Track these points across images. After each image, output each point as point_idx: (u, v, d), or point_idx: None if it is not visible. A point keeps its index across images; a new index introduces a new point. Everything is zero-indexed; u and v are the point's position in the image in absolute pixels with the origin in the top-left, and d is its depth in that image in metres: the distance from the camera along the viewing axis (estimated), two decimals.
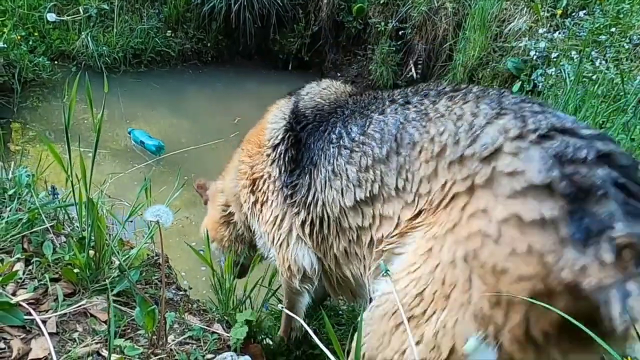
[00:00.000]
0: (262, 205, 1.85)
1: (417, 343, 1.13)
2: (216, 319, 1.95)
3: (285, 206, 1.73)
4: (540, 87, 4.56)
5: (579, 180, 1.04)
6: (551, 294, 0.99)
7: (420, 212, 1.27)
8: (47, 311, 1.66)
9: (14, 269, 1.74)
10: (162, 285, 1.51)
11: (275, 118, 1.88)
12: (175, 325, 1.83)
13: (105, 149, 4.53)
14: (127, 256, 1.92)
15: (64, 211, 2.07)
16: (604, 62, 3.99)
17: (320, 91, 1.89)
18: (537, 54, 4.63)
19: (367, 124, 1.49)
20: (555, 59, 4.40)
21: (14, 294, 1.66)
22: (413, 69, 6.07)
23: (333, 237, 1.58)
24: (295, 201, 1.68)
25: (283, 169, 1.75)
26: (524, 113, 1.20)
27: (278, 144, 1.79)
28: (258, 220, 1.89)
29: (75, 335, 1.61)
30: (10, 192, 2.00)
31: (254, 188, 1.88)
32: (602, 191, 1.02)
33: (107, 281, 1.83)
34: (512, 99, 1.29)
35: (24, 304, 1.61)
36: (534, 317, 1.02)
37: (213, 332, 1.77)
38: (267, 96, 6.00)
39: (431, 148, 1.26)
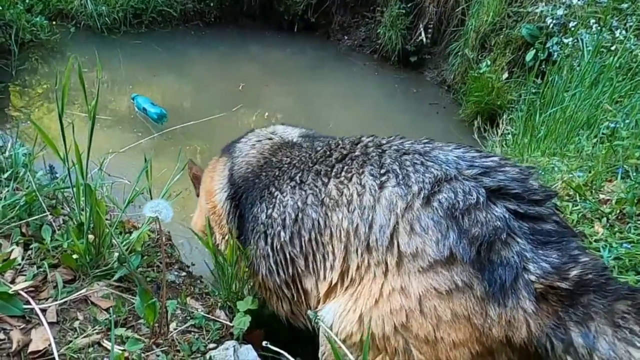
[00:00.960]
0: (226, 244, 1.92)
1: None
2: (219, 304, 1.92)
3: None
4: (555, 56, 4.38)
5: (479, 234, 1.05)
6: (492, 352, 1.01)
7: (336, 285, 1.33)
8: (46, 299, 1.63)
9: (12, 255, 1.70)
10: (162, 278, 1.47)
11: (219, 186, 1.94)
12: (178, 312, 1.80)
13: (107, 116, 4.43)
14: (127, 241, 1.88)
15: (62, 192, 2.01)
16: (624, 32, 3.80)
17: (248, 153, 1.90)
18: (553, 21, 4.43)
19: (273, 205, 1.57)
20: (572, 28, 4.20)
21: (12, 282, 1.63)
22: (423, 34, 5.85)
23: (276, 299, 1.70)
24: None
25: (233, 232, 1.85)
26: (406, 172, 1.23)
27: (226, 212, 1.89)
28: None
29: (76, 324, 1.58)
30: (7, 175, 1.94)
31: (217, 227, 1.98)
32: (505, 233, 1.04)
33: (107, 266, 1.81)
34: (392, 153, 1.33)
35: (22, 293, 1.58)
36: None
37: (215, 321, 1.75)
38: (271, 61, 5.91)
39: (337, 234, 1.31)
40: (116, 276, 1.79)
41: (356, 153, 1.43)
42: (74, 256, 1.72)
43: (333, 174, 1.40)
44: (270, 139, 1.94)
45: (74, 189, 1.68)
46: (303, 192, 1.46)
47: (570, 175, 2.46)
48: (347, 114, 5.14)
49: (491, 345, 1.01)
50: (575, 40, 4.14)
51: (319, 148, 1.60)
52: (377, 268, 1.19)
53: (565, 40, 4.12)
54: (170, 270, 2.12)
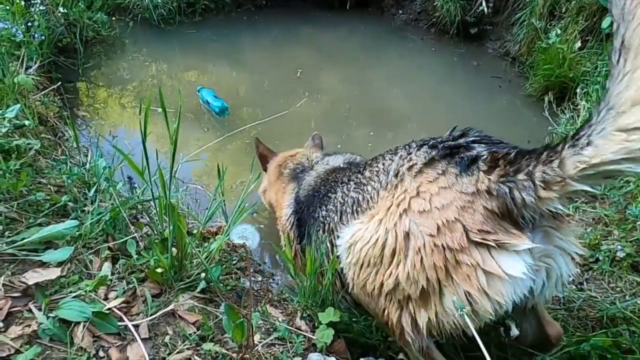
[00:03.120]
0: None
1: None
2: (298, 312, 1.93)
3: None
4: None
5: (449, 145, 1.58)
6: (475, 199, 1.43)
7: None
8: (137, 314, 1.69)
9: (103, 271, 1.77)
10: (249, 304, 1.47)
11: (288, 202, 2.47)
12: (260, 322, 1.83)
13: (170, 109, 4.52)
14: (207, 252, 1.91)
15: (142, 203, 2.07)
16: None
17: (310, 180, 2.42)
18: None
19: (329, 203, 2.03)
20: None
21: (105, 298, 1.70)
22: (484, 3, 5.52)
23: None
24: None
25: (295, 235, 2.31)
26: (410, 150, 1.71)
27: (291, 224, 2.36)
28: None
29: (167, 339, 1.64)
30: (92, 192, 2.01)
31: (283, 233, 2.46)
32: (466, 145, 1.57)
33: (190, 279, 1.85)
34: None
35: (116, 310, 1.64)
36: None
37: (298, 334, 1.76)
38: (325, 42, 5.81)
39: (369, 196, 1.77)
40: (199, 288, 1.83)
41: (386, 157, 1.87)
42: (159, 270, 1.77)
43: (368, 167, 1.90)
44: (324, 166, 2.52)
45: (157, 208, 1.71)
46: (347, 185, 1.95)
47: None
48: (406, 93, 4.99)
49: (474, 197, 1.43)
50: None
51: (360, 167, 2.04)
52: (389, 192, 1.64)
53: None
54: (249, 272, 2.15)
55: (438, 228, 1.44)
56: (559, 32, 4.66)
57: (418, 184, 1.54)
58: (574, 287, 2.18)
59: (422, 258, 1.45)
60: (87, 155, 3.29)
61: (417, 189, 1.53)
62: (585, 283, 2.17)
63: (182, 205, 2.38)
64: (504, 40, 5.61)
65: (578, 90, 4.40)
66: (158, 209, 1.72)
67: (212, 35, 5.85)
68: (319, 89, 4.88)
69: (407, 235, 1.49)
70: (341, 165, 2.46)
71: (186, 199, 2.51)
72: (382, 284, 1.56)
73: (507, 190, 1.37)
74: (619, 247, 2.14)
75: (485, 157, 1.47)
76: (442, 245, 1.42)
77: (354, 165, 2.37)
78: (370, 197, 1.73)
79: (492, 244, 1.38)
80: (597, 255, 2.23)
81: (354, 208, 1.81)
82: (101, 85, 4.89)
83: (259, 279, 2.23)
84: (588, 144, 1.25)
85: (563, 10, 4.77)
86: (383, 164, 1.77)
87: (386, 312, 1.59)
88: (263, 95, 4.78)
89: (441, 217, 1.44)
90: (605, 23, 4.34)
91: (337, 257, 1.75)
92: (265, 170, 2.88)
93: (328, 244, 1.94)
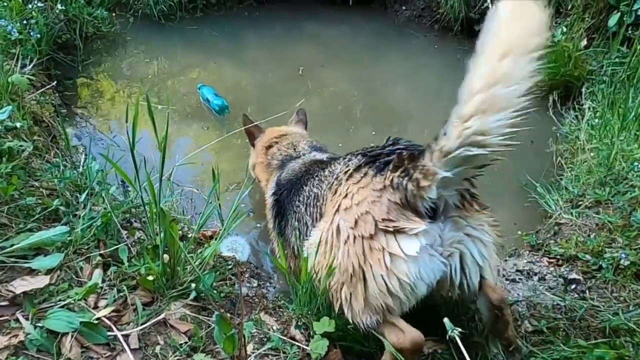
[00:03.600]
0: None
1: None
2: (293, 321, 1.89)
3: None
4: None
5: (374, 154, 1.81)
6: (382, 194, 1.65)
7: None
8: (128, 324, 1.66)
9: (93, 278, 1.74)
10: (240, 319, 1.44)
11: (271, 189, 2.64)
12: (254, 330, 1.79)
13: (172, 106, 4.49)
14: (200, 259, 1.87)
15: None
16: None
17: (292, 166, 2.59)
18: None
19: (302, 195, 2.22)
20: None
21: (95, 307, 1.67)
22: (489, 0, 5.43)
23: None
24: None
25: (275, 219, 2.47)
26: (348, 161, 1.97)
27: (272, 206, 2.55)
28: None
29: (157, 349, 1.60)
30: (83, 197, 1.97)
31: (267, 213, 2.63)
32: (388, 152, 1.78)
33: (183, 286, 1.81)
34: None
35: (105, 320, 1.61)
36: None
37: (292, 344, 1.72)
38: (327, 39, 5.74)
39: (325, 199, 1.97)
40: (192, 296, 1.79)
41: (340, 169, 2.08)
42: (150, 278, 1.74)
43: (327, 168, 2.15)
44: (308, 157, 2.68)
45: (148, 215, 1.67)
46: (314, 182, 2.16)
47: None
48: (409, 92, 4.92)
49: (378, 193, 1.66)
50: None
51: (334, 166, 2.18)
52: (332, 194, 1.88)
53: None
54: (242, 281, 2.11)
55: (356, 221, 1.66)
56: (564, 29, 4.58)
57: (347, 186, 1.78)
58: (576, 295, 2.13)
59: (348, 249, 1.66)
60: (84, 153, 3.27)
61: (345, 190, 1.78)
62: (587, 291, 2.12)
63: (177, 208, 2.34)
64: None
65: (583, 90, 4.33)
66: (149, 216, 1.68)
67: (214, 31, 5.78)
68: (320, 86, 4.82)
69: (338, 230, 1.72)
70: (324, 159, 2.61)
71: (181, 201, 2.47)
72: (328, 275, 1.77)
73: (403, 183, 1.60)
74: (623, 255, 2.09)
75: (394, 159, 1.69)
76: (360, 235, 1.64)
77: (332, 161, 2.46)
78: (324, 197, 1.98)
79: (392, 229, 1.59)
80: (600, 263, 2.18)
81: (315, 202, 2.07)
82: (101, 81, 4.85)
83: (255, 284, 2.20)
84: (444, 134, 1.46)
85: (569, 7, 4.69)
86: (332, 170, 2.06)
87: (334, 298, 1.76)
88: (265, 93, 4.73)
89: (358, 212, 1.66)
90: (612, 21, 4.27)
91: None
92: (253, 146, 3.09)
93: (298, 234, 2.17)
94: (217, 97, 4.15)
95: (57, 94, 4.25)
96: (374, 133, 4.17)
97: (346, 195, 1.75)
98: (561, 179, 3.42)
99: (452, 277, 1.66)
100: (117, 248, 1.84)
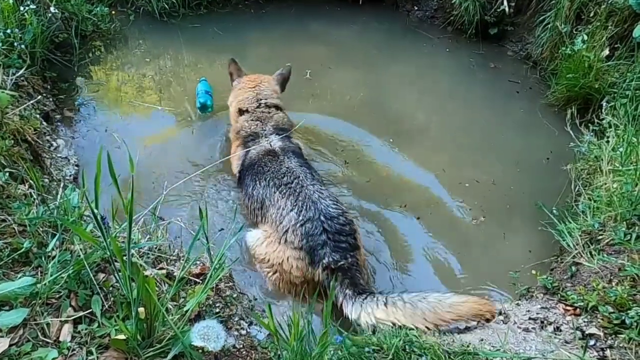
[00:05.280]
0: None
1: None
2: None
3: None
4: None
5: (310, 240, 2.52)
6: (309, 281, 2.51)
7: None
8: None
9: (62, 335, 1.58)
10: None
11: (236, 166, 3.34)
12: None
13: (169, 107, 4.33)
14: (180, 314, 1.70)
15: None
16: None
17: (258, 152, 3.19)
18: None
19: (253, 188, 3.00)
20: None
21: None
22: (505, 3, 5.16)
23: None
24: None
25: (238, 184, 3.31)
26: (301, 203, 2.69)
27: (237, 179, 3.32)
28: None
29: None
30: (52, 243, 1.79)
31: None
32: (323, 244, 2.50)
33: (161, 343, 1.64)
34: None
35: None
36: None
37: None
38: (335, 39, 5.52)
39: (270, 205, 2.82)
40: (170, 354, 1.62)
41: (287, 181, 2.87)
42: (121, 337, 1.57)
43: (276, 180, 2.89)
44: (265, 145, 3.26)
45: (117, 272, 1.50)
46: (264, 184, 2.92)
47: None
48: (419, 97, 4.73)
49: (308, 278, 2.50)
50: None
51: (278, 166, 3.01)
52: (272, 226, 2.71)
53: None
54: (230, 331, 1.94)
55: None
56: (585, 38, 4.32)
57: (288, 253, 2.57)
58: (595, 353, 1.94)
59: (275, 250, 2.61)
60: (74, 163, 3.10)
61: (284, 250, 2.58)
62: (608, 350, 1.93)
63: (160, 239, 2.16)
64: (525, 43, 5.27)
65: (604, 104, 4.08)
66: (122, 276, 1.50)
67: (218, 30, 5.56)
68: (327, 92, 4.64)
69: (271, 241, 2.65)
70: (276, 150, 3.17)
71: (168, 233, 2.30)
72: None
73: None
74: None
75: (325, 262, 2.45)
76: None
77: (284, 153, 3.13)
78: (264, 204, 2.82)
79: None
80: (623, 318, 1.98)
81: (260, 205, 2.85)
82: (99, 81, 4.68)
83: (244, 328, 2.02)
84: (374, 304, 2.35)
85: (591, 14, 4.42)
86: (274, 175, 2.89)
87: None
88: None
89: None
90: (637, 31, 4.00)
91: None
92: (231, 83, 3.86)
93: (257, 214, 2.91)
94: (205, 95, 4.16)
95: (50, 98, 4.10)
96: (387, 139, 4.11)
97: (280, 222, 2.61)
98: (577, 203, 3.22)
99: None
100: (91, 296, 1.67)
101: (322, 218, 2.52)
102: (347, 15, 5.99)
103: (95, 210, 1.31)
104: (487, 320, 2.15)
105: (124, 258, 1.42)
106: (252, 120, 3.44)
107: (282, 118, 3.57)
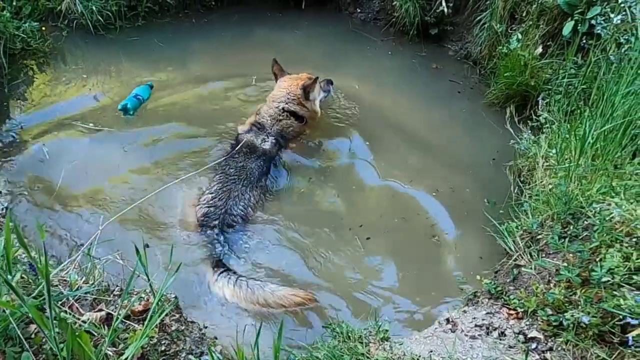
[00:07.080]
0: None
1: None
2: None
3: None
4: (599, 30, 3.83)
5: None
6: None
7: None
8: None
9: None
10: None
11: (242, 128, 4.00)
12: None
13: (110, 127, 4.16)
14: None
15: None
16: None
17: (248, 139, 3.79)
18: None
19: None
20: None
21: None
22: (444, 3, 5.26)
23: None
24: None
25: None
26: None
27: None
28: None
29: None
30: None
31: None
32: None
33: None
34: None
35: None
36: None
37: None
38: (280, 44, 5.51)
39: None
40: None
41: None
42: None
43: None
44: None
45: (45, 330, 1.42)
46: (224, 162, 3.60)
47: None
48: (364, 96, 4.74)
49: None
50: (624, 14, 3.60)
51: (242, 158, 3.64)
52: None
53: (613, 17, 3.57)
54: None
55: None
56: (519, 36, 4.46)
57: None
58: (537, 356, 2.01)
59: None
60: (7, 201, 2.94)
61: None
62: (549, 353, 2.00)
63: (100, 277, 2.08)
64: (464, 42, 5.40)
65: (540, 100, 4.24)
66: (48, 333, 1.43)
67: (159, 41, 5.39)
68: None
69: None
70: (258, 147, 3.73)
71: (106, 271, 2.21)
72: None
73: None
74: (584, 318, 1.96)
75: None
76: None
77: (258, 154, 3.65)
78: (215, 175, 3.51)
79: None
80: (561, 320, 2.06)
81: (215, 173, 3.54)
82: (30, 105, 4.44)
83: None
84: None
85: (524, 13, 4.58)
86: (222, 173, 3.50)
87: None
88: (215, 108, 4.46)
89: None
90: (566, 29, 4.17)
91: None
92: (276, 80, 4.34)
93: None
94: (132, 99, 4.16)
95: None
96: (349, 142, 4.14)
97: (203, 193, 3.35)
98: (519, 203, 3.30)
99: None
100: (20, 356, 1.58)
101: (224, 210, 3.20)
102: (291, 20, 5.96)
103: (9, 277, 1.23)
104: (307, 304, 2.68)
105: (46, 318, 1.34)
106: (266, 113, 3.97)
107: (288, 127, 3.96)
